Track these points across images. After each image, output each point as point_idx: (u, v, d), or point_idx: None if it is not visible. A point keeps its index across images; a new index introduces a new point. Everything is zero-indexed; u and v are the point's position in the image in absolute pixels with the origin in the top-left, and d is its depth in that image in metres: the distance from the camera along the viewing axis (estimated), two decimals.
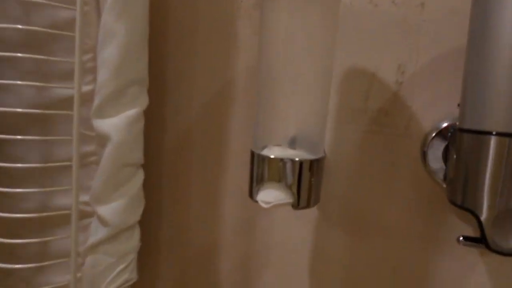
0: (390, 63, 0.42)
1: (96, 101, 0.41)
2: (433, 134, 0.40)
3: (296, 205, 0.36)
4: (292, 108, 0.37)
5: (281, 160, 0.36)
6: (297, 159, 0.36)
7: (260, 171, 0.37)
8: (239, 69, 0.48)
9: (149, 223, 0.53)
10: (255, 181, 0.37)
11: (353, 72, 0.43)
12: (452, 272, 0.42)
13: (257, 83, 0.39)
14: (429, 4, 0.40)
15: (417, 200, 0.42)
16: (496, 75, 0.30)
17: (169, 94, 0.51)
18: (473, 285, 0.41)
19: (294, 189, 0.36)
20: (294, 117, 0.38)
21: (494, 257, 0.40)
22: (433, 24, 0.40)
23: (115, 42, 0.39)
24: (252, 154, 0.38)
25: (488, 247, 0.31)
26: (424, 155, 0.41)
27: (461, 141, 0.33)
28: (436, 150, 0.40)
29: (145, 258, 0.53)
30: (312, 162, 0.36)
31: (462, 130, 0.33)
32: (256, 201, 0.37)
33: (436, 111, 0.41)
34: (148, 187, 0.47)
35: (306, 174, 0.36)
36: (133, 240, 0.46)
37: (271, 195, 0.36)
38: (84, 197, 0.45)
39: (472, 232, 0.41)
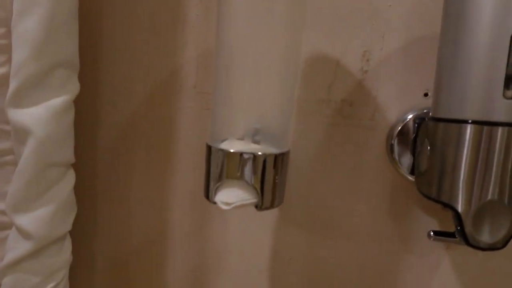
0: (355, 50, 0.39)
1: (12, 86, 0.33)
2: (400, 126, 0.38)
3: (260, 206, 0.32)
4: (255, 98, 0.33)
5: (242, 154, 0.31)
6: (260, 153, 0.31)
7: (217, 168, 0.32)
8: (189, 54, 0.42)
9: (82, 232, 0.45)
10: (212, 180, 0.32)
11: (315, 59, 0.40)
12: (419, 268, 0.40)
13: (214, 69, 0.34)
14: None
15: (382, 195, 0.40)
16: (472, 62, 0.28)
17: (104, 82, 0.44)
18: (440, 279, 0.40)
19: (258, 188, 0.32)
20: (257, 107, 0.33)
21: (459, 250, 0.39)
22: (400, 10, 0.38)
23: (36, 14, 0.32)
24: (209, 148, 0.33)
25: (466, 241, 0.30)
26: (391, 147, 0.38)
27: (435, 130, 0.31)
28: (404, 143, 0.38)
29: (79, 273, 0.46)
30: (277, 157, 0.32)
31: (437, 119, 0.31)
32: (214, 203, 0.32)
33: (402, 101, 0.39)
34: (81, 190, 0.40)
35: (270, 170, 0.32)
36: (64, 254, 0.38)
37: (231, 195, 0.31)
38: None
39: (437, 226, 0.39)
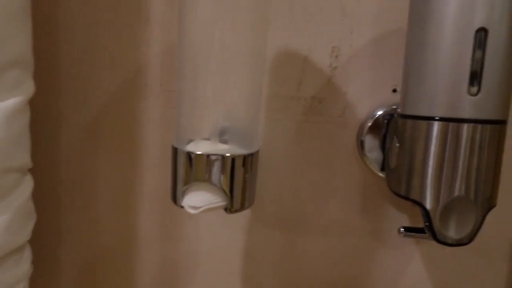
0: (324, 46, 0.38)
1: None
2: (370, 123, 0.38)
3: (230, 209, 0.31)
4: (221, 95, 0.32)
5: (209, 156, 0.30)
6: (228, 154, 0.30)
7: (184, 170, 0.31)
8: (154, 51, 0.40)
9: (44, 241, 0.43)
10: (179, 183, 0.31)
11: (283, 55, 0.39)
12: (391, 262, 0.41)
13: (178, 66, 0.32)
14: None
15: (354, 191, 0.40)
16: (438, 59, 0.28)
17: (64, 81, 0.42)
18: (412, 274, 0.41)
19: (227, 190, 0.31)
20: (223, 105, 0.32)
21: (429, 245, 0.39)
22: (368, 5, 0.37)
23: None
24: (175, 150, 0.31)
25: (435, 238, 0.30)
26: (361, 144, 0.38)
27: (404, 127, 0.31)
28: (374, 139, 0.38)
29: (44, 283, 0.44)
30: (245, 158, 0.31)
31: (405, 116, 0.31)
32: (182, 207, 0.31)
33: (372, 97, 0.38)
34: (41, 197, 0.38)
35: (239, 171, 0.31)
36: (23, 265, 0.36)
37: (199, 198, 0.30)
38: None
39: (408, 221, 0.40)
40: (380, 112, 0.38)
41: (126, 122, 0.42)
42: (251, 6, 0.31)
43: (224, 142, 0.32)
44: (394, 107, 0.37)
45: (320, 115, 0.39)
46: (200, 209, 0.30)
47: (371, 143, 0.38)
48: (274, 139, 0.40)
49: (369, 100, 0.39)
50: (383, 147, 0.37)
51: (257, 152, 0.33)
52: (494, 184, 0.29)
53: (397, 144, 0.32)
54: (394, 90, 0.38)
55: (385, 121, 0.37)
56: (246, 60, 0.32)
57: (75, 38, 0.41)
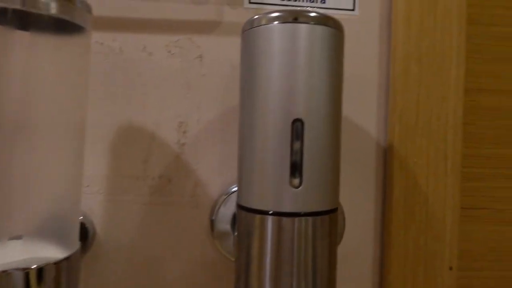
0: (170, 121, 0.36)
1: None
2: (222, 201, 0.36)
3: None
4: (23, 179, 0.26)
5: (5, 271, 0.24)
6: (34, 266, 0.25)
7: None
8: None
9: None
10: None
11: (127, 131, 0.35)
12: None
13: None
14: (207, 57, 0.36)
15: (208, 277, 0.36)
16: (264, 150, 0.27)
17: None
18: None
19: None
20: (25, 192, 0.27)
21: None
22: (213, 79, 0.36)
23: None
24: None
25: None
26: (212, 224, 0.35)
27: (240, 218, 0.29)
28: (226, 220, 0.35)
29: None
30: (59, 264, 0.26)
31: (240, 207, 0.29)
32: None
33: (223, 174, 0.36)
34: None
35: (50, 284, 0.26)
36: None
37: None
38: None
39: None
40: (232, 190, 0.36)
41: None
42: (63, 82, 0.27)
43: (28, 245, 0.26)
44: None
45: (169, 195, 0.36)
46: None
47: (223, 224, 0.35)
48: (118, 225, 0.35)
49: (221, 177, 0.36)
50: (234, 229, 0.35)
51: (77, 251, 0.28)
52: (331, 276, 0.28)
53: (235, 233, 0.30)
54: None
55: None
56: (57, 134, 0.27)
57: None
